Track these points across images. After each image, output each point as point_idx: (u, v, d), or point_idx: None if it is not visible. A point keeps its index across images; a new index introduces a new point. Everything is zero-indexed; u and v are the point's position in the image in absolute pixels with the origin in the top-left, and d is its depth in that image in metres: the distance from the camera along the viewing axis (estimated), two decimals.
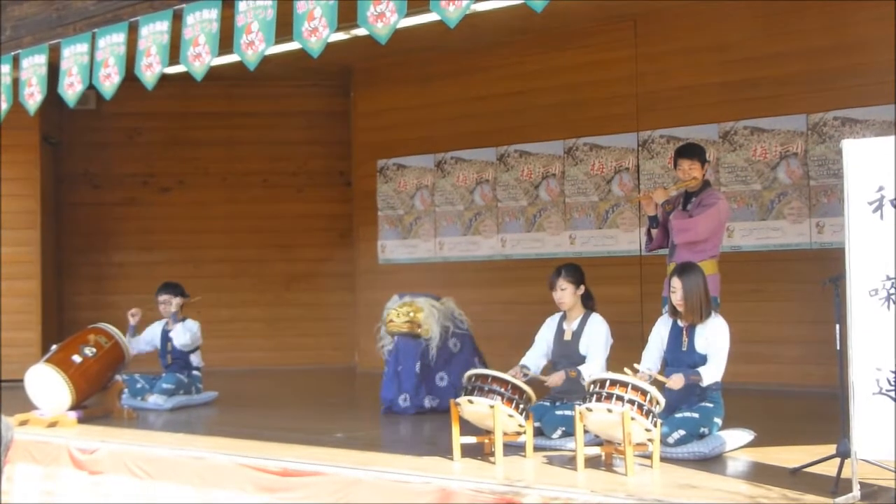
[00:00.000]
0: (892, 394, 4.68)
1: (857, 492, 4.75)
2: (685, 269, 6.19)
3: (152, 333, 8.97)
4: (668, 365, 6.26)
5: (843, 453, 4.96)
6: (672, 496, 5.01)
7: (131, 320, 8.68)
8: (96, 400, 8.17)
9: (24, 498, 7.01)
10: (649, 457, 5.63)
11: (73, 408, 7.81)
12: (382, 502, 5.54)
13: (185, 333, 8.68)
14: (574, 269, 6.72)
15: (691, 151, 7.04)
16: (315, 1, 6.01)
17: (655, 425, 5.58)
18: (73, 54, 7.49)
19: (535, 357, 6.73)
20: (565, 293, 6.66)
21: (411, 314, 7.91)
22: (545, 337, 6.79)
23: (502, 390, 5.91)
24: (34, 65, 7.80)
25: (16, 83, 7.99)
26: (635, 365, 6.00)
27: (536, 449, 6.08)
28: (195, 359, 8.87)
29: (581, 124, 10.09)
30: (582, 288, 6.71)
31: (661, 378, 5.81)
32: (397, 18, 5.66)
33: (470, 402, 5.90)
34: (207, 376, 9.07)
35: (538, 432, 6.23)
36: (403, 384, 7.92)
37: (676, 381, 5.94)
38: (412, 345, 7.98)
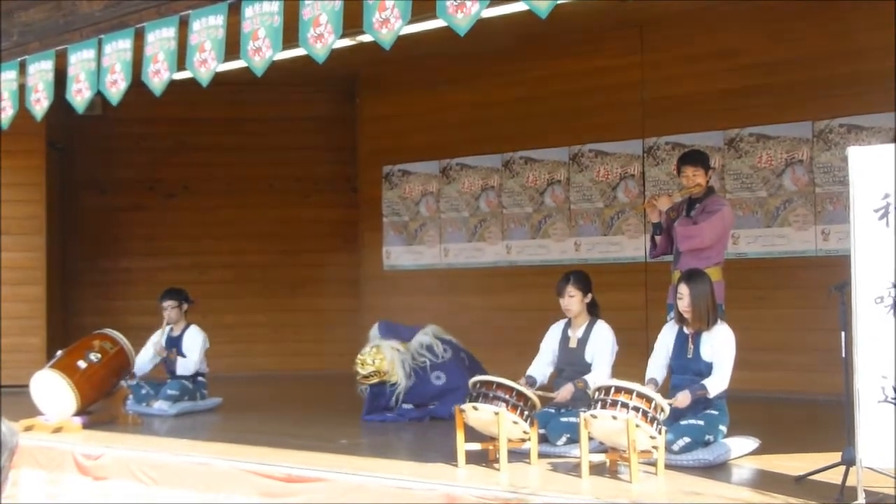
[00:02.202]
0: None
1: (862, 499, 4.74)
2: (692, 276, 6.19)
3: (154, 343, 8.96)
4: (674, 372, 6.25)
5: (848, 461, 4.95)
6: (677, 503, 5.00)
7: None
8: (101, 406, 8.18)
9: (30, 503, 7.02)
10: (654, 464, 5.61)
11: (77, 413, 7.82)
12: None
13: (186, 364, 8.70)
14: (583, 277, 6.71)
15: (695, 158, 7.04)
16: (321, 7, 6.02)
17: (660, 432, 5.57)
18: (80, 60, 7.51)
19: (542, 365, 6.72)
20: (573, 300, 6.65)
21: (376, 363, 7.85)
22: (550, 345, 6.77)
23: (507, 397, 5.90)
24: (41, 70, 7.82)
25: (22, 89, 8.01)
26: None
27: (541, 456, 6.07)
28: (200, 365, 8.86)
29: (586, 131, 10.09)
30: (589, 296, 6.70)
31: (668, 401, 5.79)
32: (401, 24, 5.66)
33: (475, 408, 5.90)
34: (212, 382, 9.07)
35: (543, 439, 6.22)
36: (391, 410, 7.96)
37: (683, 400, 5.93)
38: (379, 391, 7.95)
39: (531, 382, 6.47)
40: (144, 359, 8.79)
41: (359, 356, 7.97)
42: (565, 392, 6.42)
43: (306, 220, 11.99)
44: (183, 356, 8.74)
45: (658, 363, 6.29)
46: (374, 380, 7.88)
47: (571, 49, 10.15)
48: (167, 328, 8.89)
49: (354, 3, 5.84)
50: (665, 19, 9.50)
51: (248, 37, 6.38)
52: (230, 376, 10.45)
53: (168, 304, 8.89)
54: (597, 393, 5.69)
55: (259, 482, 6.11)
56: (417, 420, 7.88)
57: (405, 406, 7.94)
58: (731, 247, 8.60)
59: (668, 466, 5.67)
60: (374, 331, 8.23)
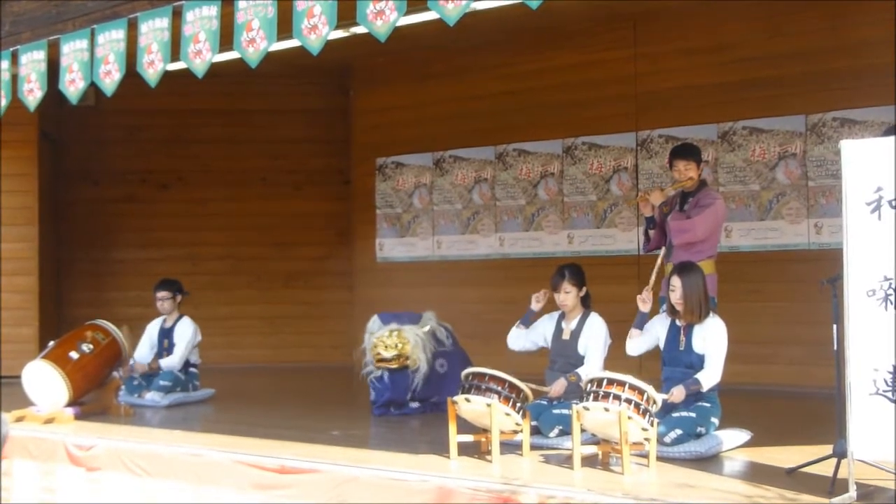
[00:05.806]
0: (889, 394, 4.68)
1: (853, 492, 4.76)
2: (685, 269, 6.20)
3: (149, 334, 8.97)
4: (666, 364, 6.27)
5: (840, 453, 4.97)
6: (669, 495, 5.01)
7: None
8: (93, 396, 8.16)
9: (23, 494, 7.01)
10: (646, 456, 5.63)
11: (70, 404, 7.80)
12: (379, 500, 5.54)
13: (174, 358, 8.67)
14: (578, 271, 6.71)
15: (687, 152, 7.04)
16: None
17: (652, 424, 5.58)
18: (73, 51, 7.48)
19: (526, 338, 6.81)
20: (569, 296, 6.65)
21: (399, 346, 7.61)
22: (542, 331, 6.80)
23: (499, 388, 5.91)
24: (33, 61, 7.79)
25: (14, 79, 7.98)
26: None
27: (533, 448, 6.08)
28: (192, 356, 8.86)
29: (580, 124, 10.09)
30: (584, 289, 6.71)
31: (662, 395, 5.81)
32: (397, 16, 5.65)
33: (467, 400, 5.90)
34: (204, 373, 9.07)
35: (535, 431, 6.23)
36: (397, 406, 7.81)
37: (678, 395, 5.96)
38: (400, 376, 7.71)
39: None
40: (143, 353, 8.85)
41: (377, 339, 7.68)
42: (558, 387, 6.44)
43: (299, 212, 11.97)
44: (159, 369, 8.72)
45: (643, 340, 6.34)
46: (395, 364, 7.62)
47: (565, 42, 10.14)
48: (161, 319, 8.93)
49: None
50: (658, 13, 9.50)
51: (242, 28, 6.36)
52: (223, 368, 10.45)
53: (162, 294, 8.90)
54: (589, 385, 5.70)
55: (252, 473, 6.11)
56: (420, 413, 7.81)
57: (413, 405, 7.81)
58: (724, 240, 8.61)
59: (660, 458, 5.69)
60: (375, 322, 8.00)
